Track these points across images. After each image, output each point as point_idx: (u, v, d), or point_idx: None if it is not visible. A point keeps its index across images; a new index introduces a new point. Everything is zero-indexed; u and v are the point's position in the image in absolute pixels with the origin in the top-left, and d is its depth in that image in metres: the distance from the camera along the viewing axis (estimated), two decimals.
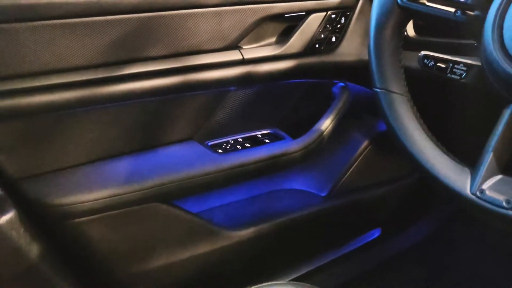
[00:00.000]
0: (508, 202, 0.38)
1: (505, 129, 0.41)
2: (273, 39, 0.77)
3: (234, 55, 0.70)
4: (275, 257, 0.88)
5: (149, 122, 0.71)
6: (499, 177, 0.41)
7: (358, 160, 0.94)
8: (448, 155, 0.45)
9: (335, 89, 0.88)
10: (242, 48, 0.72)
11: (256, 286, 0.62)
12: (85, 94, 0.59)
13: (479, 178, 0.41)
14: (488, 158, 0.41)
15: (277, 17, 0.74)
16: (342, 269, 1.02)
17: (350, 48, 0.81)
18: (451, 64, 0.54)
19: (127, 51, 0.62)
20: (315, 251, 0.98)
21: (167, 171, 0.67)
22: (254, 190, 0.89)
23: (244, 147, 0.76)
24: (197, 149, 0.73)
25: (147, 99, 0.67)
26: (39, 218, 0.59)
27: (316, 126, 0.81)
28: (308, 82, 0.86)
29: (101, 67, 0.60)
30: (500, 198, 0.38)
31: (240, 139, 0.78)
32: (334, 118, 0.83)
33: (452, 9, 0.48)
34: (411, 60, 0.60)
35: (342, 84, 0.88)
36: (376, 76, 0.52)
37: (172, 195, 0.68)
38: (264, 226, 0.81)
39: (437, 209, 1.20)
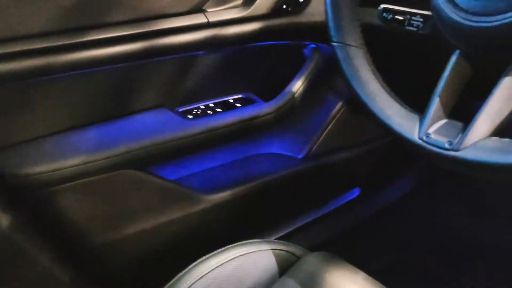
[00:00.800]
0: (450, 143, 0.39)
1: (451, 75, 0.42)
2: (239, 1, 0.76)
3: (198, 19, 0.70)
4: (254, 218, 0.90)
5: (118, 90, 0.71)
6: (444, 121, 0.42)
7: (333, 121, 0.95)
8: (400, 103, 0.46)
9: (306, 51, 0.88)
10: (207, 11, 0.72)
11: (231, 245, 0.64)
12: (46, 62, 0.59)
13: (425, 123, 0.42)
14: (434, 103, 0.42)
15: None
16: (322, 228, 1.05)
17: (319, 8, 0.80)
18: (408, 16, 0.54)
19: (87, 16, 0.61)
20: (295, 212, 1.00)
21: (137, 138, 0.68)
22: (232, 156, 0.90)
23: (215, 112, 0.77)
24: (167, 115, 0.73)
25: (114, 66, 0.67)
26: (8, 189, 0.60)
27: (287, 89, 0.82)
28: (279, 45, 0.86)
29: (61, 33, 0.59)
30: (443, 140, 0.40)
31: (212, 105, 0.79)
32: (305, 80, 0.83)
33: None
34: (374, 16, 0.60)
35: (313, 45, 0.88)
36: (332, 30, 0.52)
37: (143, 161, 0.69)
38: (241, 189, 0.82)
39: (415, 167, 1.23)
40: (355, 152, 1.02)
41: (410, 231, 1.11)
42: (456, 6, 0.39)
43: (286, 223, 0.98)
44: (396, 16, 0.55)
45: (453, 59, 0.42)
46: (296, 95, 0.82)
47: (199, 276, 0.59)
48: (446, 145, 0.39)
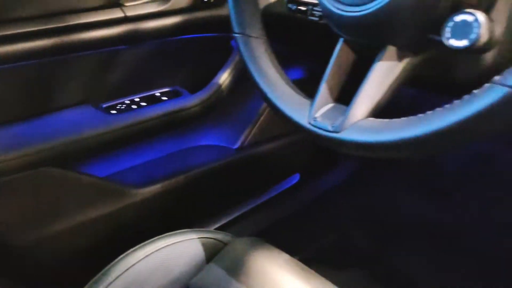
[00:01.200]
0: (333, 126, 0.42)
1: (335, 62, 0.45)
2: None
3: (115, 13, 0.69)
4: (190, 210, 0.91)
5: (39, 86, 0.69)
6: (331, 105, 0.45)
7: (267, 110, 0.97)
8: (295, 90, 0.49)
9: (233, 42, 0.89)
10: (125, 6, 0.71)
11: (158, 237, 0.65)
12: None
13: (314, 108, 0.45)
14: (321, 89, 0.45)
15: None
16: (262, 216, 1.07)
17: None
18: (310, 7, 0.57)
19: None
20: (235, 201, 1.02)
21: (58, 135, 0.67)
22: (166, 149, 0.91)
23: (140, 107, 0.77)
24: (89, 111, 0.73)
25: (32, 62, 0.65)
26: None
27: (213, 80, 0.83)
28: (206, 37, 0.87)
29: None
30: (327, 123, 0.43)
31: (137, 99, 0.79)
32: (233, 71, 0.85)
33: None
34: (280, 6, 0.63)
35: None
36: (234, 21, 0.54)
37: (66, 159, 0.68)
38: (175, 181, 0.83)
39: None
40: (291, 139, 1.05)
41: (349, 214, 1.15)
42: None
43: (225, 213, 1.00)
44: (299, 7, 0.58)
45: (338, 47, 0.45)
46: (223, 86, 0.83)
47: (125, 268, 0.59)
48: (329, 128, 0.42)
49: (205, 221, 0.96)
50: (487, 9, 0.37)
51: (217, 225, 0.98)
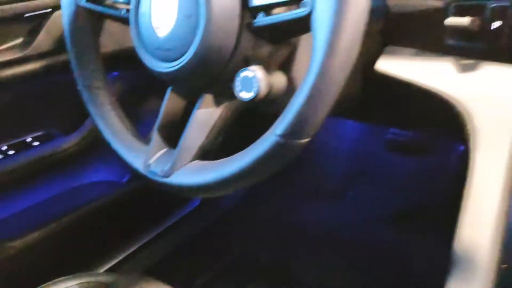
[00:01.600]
0: (162, 171, 0.46)
1: (165, 109, 0.49)
2: (20, 40, 0.75)
3: None
4: (77, 253, 0.87)
5: None
6: (163, 150, 0.49)
7: None
8: (137, 138, 0.52)
9: (109, 79, 0.90)
10: None
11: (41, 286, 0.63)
12: None
13: (148, 154, 0.48)
14: (154, 135, 0.49)
15: (17, 19, 0.72)
16: (161, 245, 1.06)
17: (110, 38, 0.83)
18: None
19: None
20: (129, 235, 1.01)
21: None
22: (48, 193, 0.88)
23: (6, 156, 0.74)
24: None
25: None
26: None
27: (88, 119, 0.83)
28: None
29: None
30: (158, 169, 0.46)
31: (4, 148, 0.76)
32: None
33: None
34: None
35: (115, 73, 0.90)
36: (76, 75, 0.56)
37: None
38: (55, 225, 0.79)
39: None
40: None
41: (251, 229, 1.18)
42: (149, 53, 0.46)
43: (120, 250, 0.98)
44: None
45: (166, 95, 0.49)
46: None
47: None
48: (159, 173, 0.46)
49: (97, 262, 0.93)
50: (285, 65, 0.44)
51: (107, 266, 0.95)
